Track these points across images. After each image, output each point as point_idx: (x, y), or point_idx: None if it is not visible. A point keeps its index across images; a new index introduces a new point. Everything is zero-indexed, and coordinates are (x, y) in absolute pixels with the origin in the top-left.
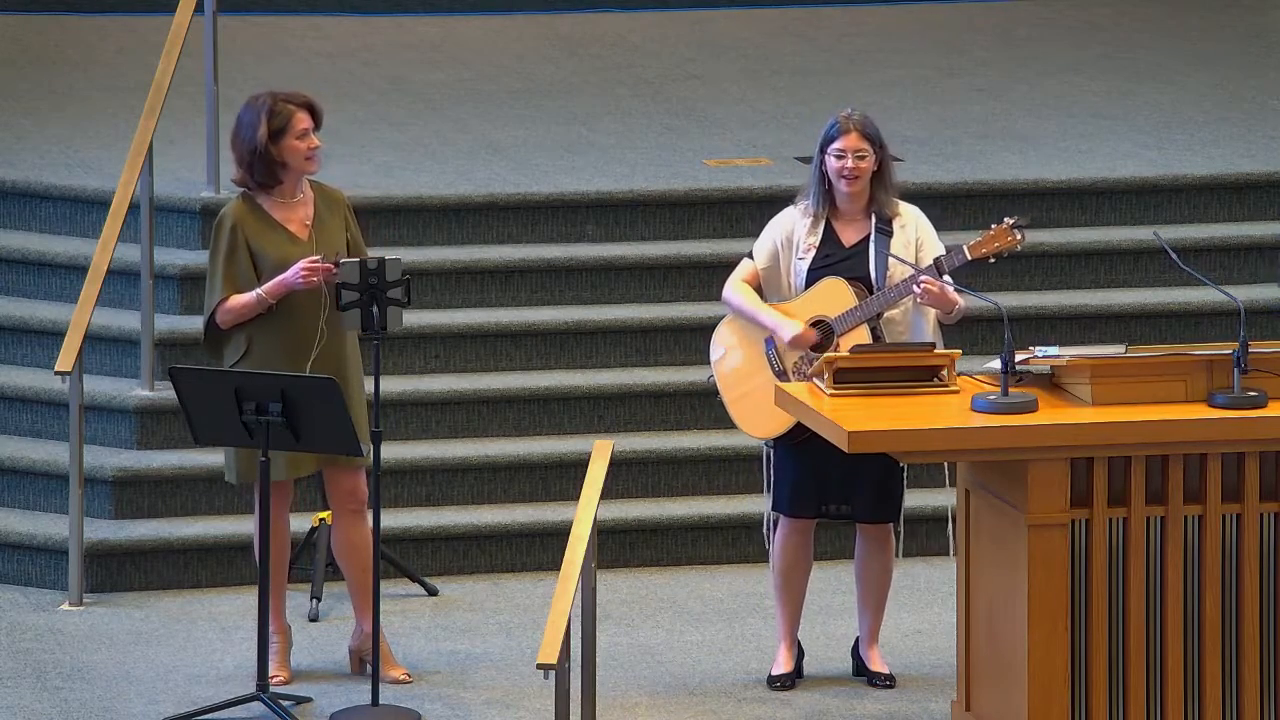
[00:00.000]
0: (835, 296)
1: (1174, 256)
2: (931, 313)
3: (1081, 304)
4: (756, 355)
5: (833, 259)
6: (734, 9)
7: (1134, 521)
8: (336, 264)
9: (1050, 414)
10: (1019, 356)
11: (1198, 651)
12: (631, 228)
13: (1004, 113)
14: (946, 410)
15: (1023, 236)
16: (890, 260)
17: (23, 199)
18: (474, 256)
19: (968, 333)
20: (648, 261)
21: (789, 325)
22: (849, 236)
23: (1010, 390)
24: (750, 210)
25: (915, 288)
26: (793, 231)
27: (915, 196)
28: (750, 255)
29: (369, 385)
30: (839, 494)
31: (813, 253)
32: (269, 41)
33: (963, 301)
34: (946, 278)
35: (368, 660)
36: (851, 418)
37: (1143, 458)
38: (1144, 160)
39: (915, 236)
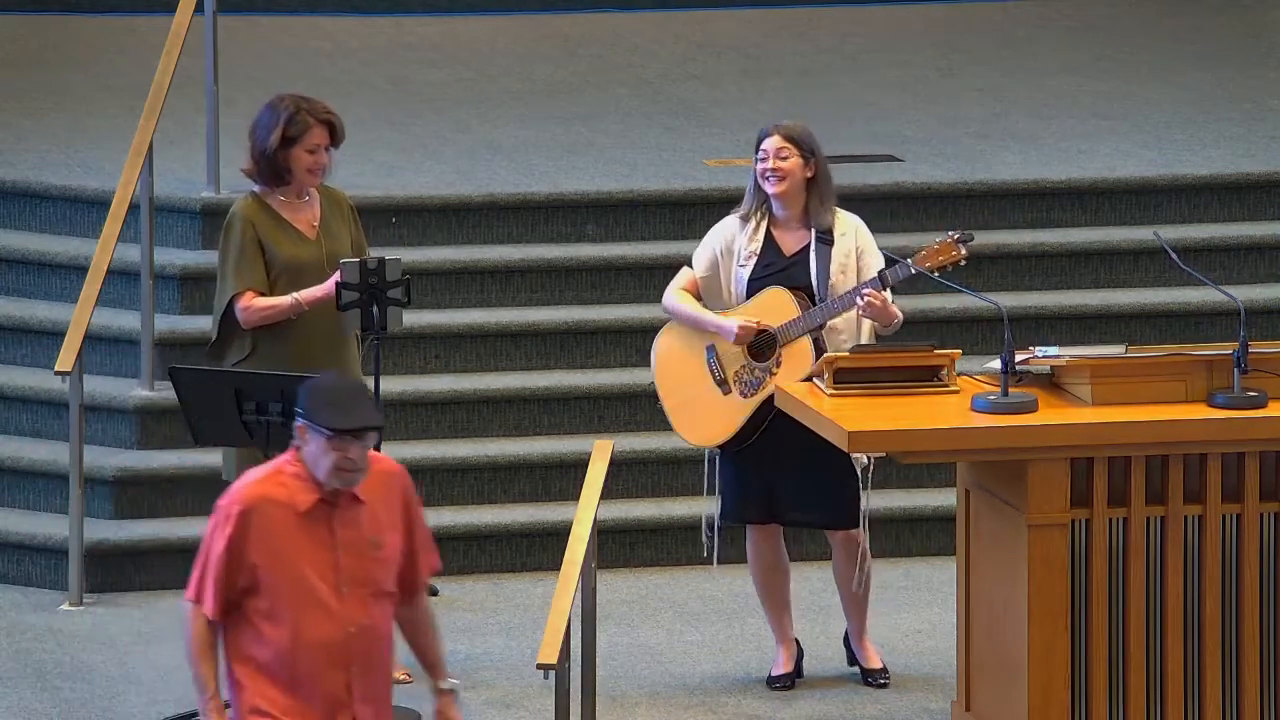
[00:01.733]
0: (778, 306)
1: (1174, 256)
2: (868, 323)
3: (1081, 304)
4: (697, 363)
5: (773, 268)
6: (734, 9)
7: (1134, 521)
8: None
9: (1050, 414)
10: (1019, 356)
11: (1198, 651)
12: (631, 228)
13: (1004, 113)
14: (946, 410)
15: (966, 251)
16: (833, 270)
17: (23, 199)
18: (474, 256)
19: (968, 333)
20: (648, 261)
21: (729, 321)
22: (789, 245)
23: (1010, 390)
24: None
25: (859, 300)
26: (733, 240)
27: (915, 196)
28: (689, 264)
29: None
30: (792, 501)
31: (754, 260)
32: (269, 41)
33: (900, 316)
34: (888, 291)
35: None
36: (851, 418)
37: (1143, 458)
38: (1144, 160)
39: (855, 245)
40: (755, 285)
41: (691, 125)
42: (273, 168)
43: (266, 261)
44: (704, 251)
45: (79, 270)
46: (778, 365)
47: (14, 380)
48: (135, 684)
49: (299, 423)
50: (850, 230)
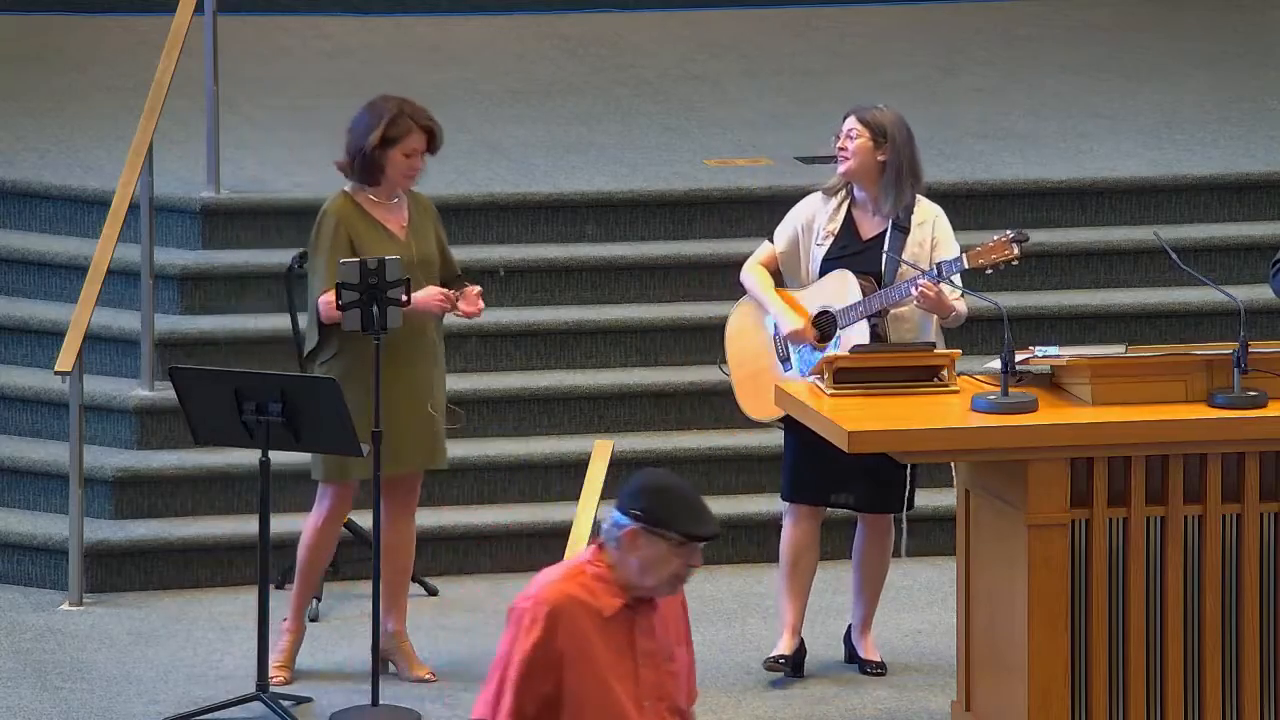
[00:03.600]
0: (843, 290)
1: (1174, 256)
2: (922, 315)
3: (1081, 304)
4: (765, 338)
5: (848, 250)
6: (734, 9)
7: (1134, 521)
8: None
9: (1050, 414)
10: (1019, 356)
11: (1198, 651)
12: (631, 228)
13: (1004, 113)
14: (946, 410)
15: (1021, 251)
16: (904, 258)
17: (23, 199)
18: (474, 256)
19: (968, 333)
20: (648, 261)
21: (789, 320)
22: (867, 229)
23: (1010, 390)
24: (750, 210)
25: (913, 290)
26: (814, 218)
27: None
28: (771, 238)
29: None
30: (843, 483)
31: (830, 241)
32: (269, 41)
33: (962, 308)
34: (951, 282)
35: (392, 660)
36: (851, 418)
37: (1143, 458)
38: (1144, 160)
39: (932, 235)
40: (829, 266)
41: (691, 125)
42: (367, 166)
43: None
44: (785, 227)
45: (79, 270)
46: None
47: (14, 380)
48: (135, 684)
49: (630, 525)
50: (929, 220)
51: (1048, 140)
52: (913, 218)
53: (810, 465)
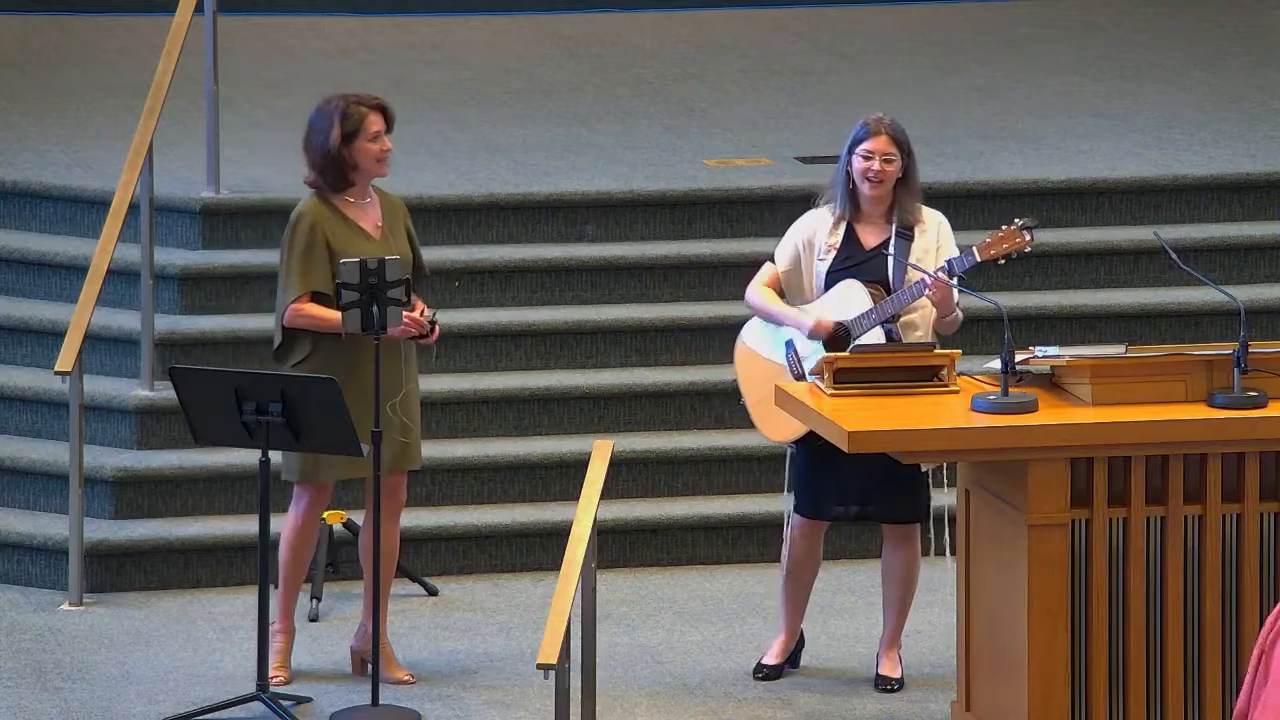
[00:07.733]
0: (852, 300)
1: (1174, 256)
2: (932, 320)
3: (1081, 304)
4: (777, 360)
5: (852, 261)
6: (734, 9)
7: (1134, 521)
8: (433, 324)
9: (1050, 414)
10: (1019, 356)
11: (1198, 651)
12: (631, 228)
13: (1004, 113)
14: (946, 410)
15: (1032, 238)
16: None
17: (23, 199)
18: (474, 256)
19: (968, 333)
20: (648, 261)
21: (806, 319)
22: (869, 239)
23: (1010, 390)
24: (750, 210)
25: (925, 289)
26: (814, 234)
27: None
28: (773, 259)
29: (373, 387)
30: (859, 495)
31: (833, 254)
32: (269, 41)
33: (960, 312)
34: (962, 279)
35: (369, 660)
36: (851, 418)
37: (1143, 458)
38: (1144, 160)
39: (936, 241)
40: (833, 279)
41: (691, 125)
42: (339, 168)
43: (332, 262)
44: (786, 246)
45: (79, 270)
46: None
47: (14, 380)
48: (135, 684)
49: None
50: (933, 227)
51: (1048, 140)
52: (916, 226)
53: (827, 482)
